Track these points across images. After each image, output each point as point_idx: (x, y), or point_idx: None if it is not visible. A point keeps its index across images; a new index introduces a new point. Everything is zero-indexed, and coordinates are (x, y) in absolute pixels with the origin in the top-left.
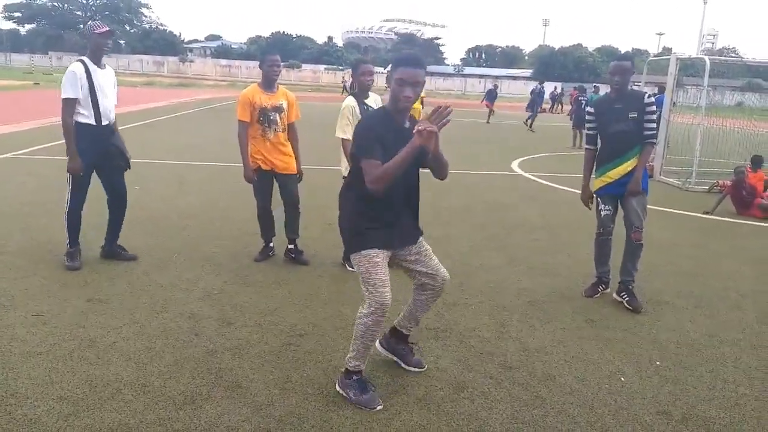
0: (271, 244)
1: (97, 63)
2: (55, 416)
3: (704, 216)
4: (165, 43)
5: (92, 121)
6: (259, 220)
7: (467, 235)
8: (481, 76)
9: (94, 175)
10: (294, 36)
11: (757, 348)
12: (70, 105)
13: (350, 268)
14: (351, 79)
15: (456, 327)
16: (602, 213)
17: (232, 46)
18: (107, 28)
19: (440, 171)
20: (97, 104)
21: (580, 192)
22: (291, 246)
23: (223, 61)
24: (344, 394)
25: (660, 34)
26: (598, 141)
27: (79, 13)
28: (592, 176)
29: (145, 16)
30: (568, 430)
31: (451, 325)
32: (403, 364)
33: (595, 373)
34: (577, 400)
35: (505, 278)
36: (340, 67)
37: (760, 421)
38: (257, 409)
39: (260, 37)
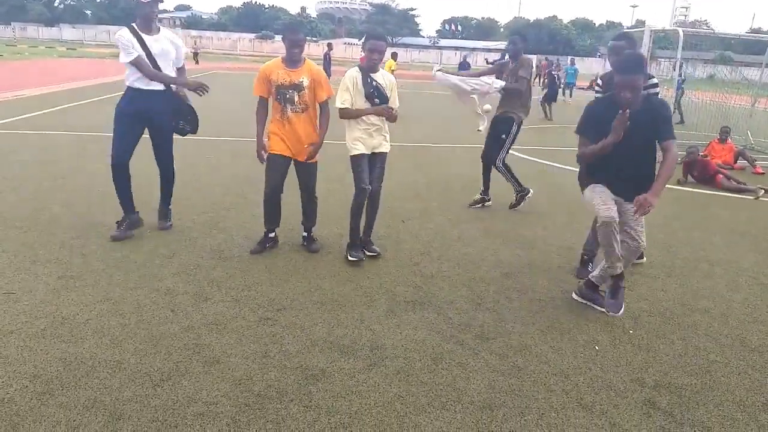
0: (272, 234)
1: (148, 30)
2: (28, 395)
3: (677, 187)
4: (132, 13)
5: (159, 86)
6: (264, 206)
7: (445, 208)
8: (456, 48)
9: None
10: (266, 6)
11: (727, 316)
12: (138, 65)
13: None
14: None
15: (434, 299)
16: None
17: (203, 17)
18: None
19: None
20: (159, 68)
21: (556, 164)
22: (305, 234)
23: (194, 32)
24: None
25: (634, 7)
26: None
27: None
28: None
29: None
30: (544, 398)
31: (428, 297)
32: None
33: (570, 342)
34: (552, 369)
35: (482, 250)
36: (314, 39)
37: (730, 387)
38: (236, 384)
39: (231, 7)
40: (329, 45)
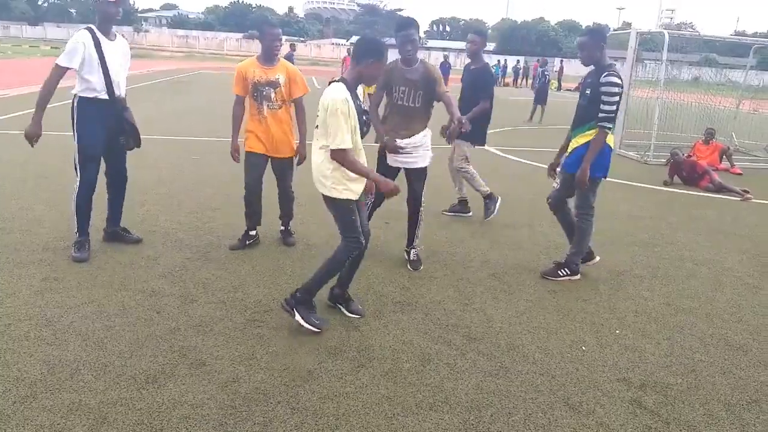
0: (253, 233)
1: (107, 33)
2: (11, 399)
3: (662, 188)
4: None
5: (105, 96)
6: (244, 203)
7: (432, 209)
8: (444, 49)
9: None
10: (253, 6)
11: (711, 315)
12: (59, 72)
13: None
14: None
15: (421, 300)
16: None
17: (189, 16)
18: None
19: None
20: (109, 77)
21: (543, 165)
22: (282, 228)
23: (180, 32)
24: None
25: (620, 9)
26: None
27: None
28: None
29: None
30: (531, 398)
31: (416, 298)
32: None
33: (557, 342)
34: (539, 369)
35: (470, 251)
36: (302, 39)
37: (715, 385)
38: (222, 386)
39: (218, 6)
40: (291, 46)
